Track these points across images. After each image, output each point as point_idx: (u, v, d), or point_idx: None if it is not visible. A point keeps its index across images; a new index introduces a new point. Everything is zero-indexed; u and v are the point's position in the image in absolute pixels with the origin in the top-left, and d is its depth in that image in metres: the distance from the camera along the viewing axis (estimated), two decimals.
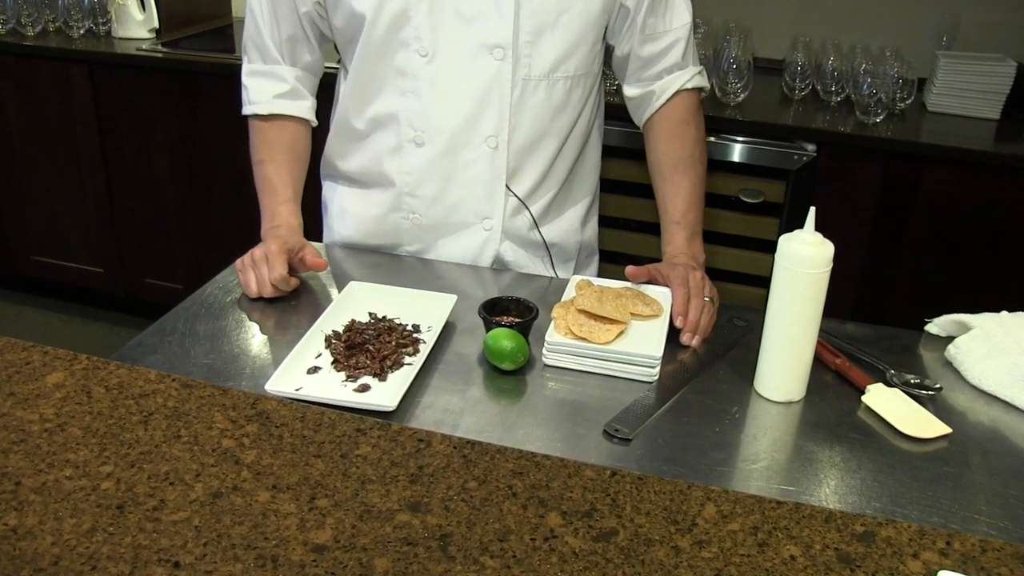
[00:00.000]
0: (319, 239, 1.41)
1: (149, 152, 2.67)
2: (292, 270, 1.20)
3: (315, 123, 1.36)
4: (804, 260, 0.94)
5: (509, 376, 1.03)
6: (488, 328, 1.05)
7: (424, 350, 1.03)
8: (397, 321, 1.10)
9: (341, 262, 1.34)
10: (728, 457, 0.90)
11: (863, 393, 1.00)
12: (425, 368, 1.02)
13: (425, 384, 1.00)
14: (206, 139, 2.59)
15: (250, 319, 1.14)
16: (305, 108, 1.34)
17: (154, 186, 2.71)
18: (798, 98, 2.31)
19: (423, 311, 1.11)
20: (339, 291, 1.21)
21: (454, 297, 1.13)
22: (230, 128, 2.50)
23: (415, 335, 1.07)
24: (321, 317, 1.09)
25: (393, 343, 1.04)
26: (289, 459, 0.74)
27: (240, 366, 1.02)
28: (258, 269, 1.17)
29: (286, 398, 0.90)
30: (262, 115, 1.32)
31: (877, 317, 2.18)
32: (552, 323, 1.07)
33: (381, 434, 0.78)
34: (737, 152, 2.14)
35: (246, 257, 1.19)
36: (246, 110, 1.33)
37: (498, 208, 1.31)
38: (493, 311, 1.08)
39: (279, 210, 1.30)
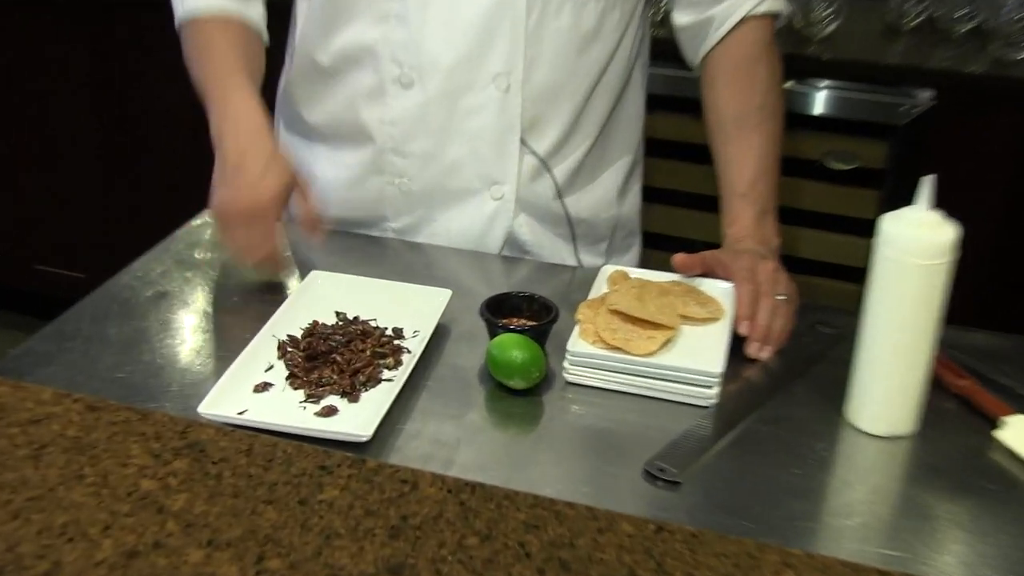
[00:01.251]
0: None
1: (45, 104, 2.67)
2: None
3: (267, 41, 1.33)
4: (916, 247, 0.94)
5: (520, 397, 1.02)
6: (493, 333, 1.05)
7: (408, 362, 1.03)
8: (373, 323, 1.10)
9: (301, 245, 1.34)
10: (812, 509, 0.90)
11: (997, 426, 1.00)
12: (409, 386, 1.02)
13: (410, 407, 1.00)
14: (124, 88, 2.59)
15: (180, 320, 1.14)
16: (256, 15, 1.31)
17: (52, 148, 2.72)
18: (909, 28, 2.30)
19: (408, 310, 1.11)
20: (298, 282, 1.21)
21: (449, 292, 1.13)
22: (156, 75, 2.50)
23: (397, 342, 1.07)
24: (273, 317, 1.09)
25: (368, 352, 1.04)
26: (230, 506, 0.74)
27: (165, 382, 1.02)
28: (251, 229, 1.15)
29: (226, 425, 0.90)
30: (202, 20, 1.27)
31: (1014, 324, 2.17)
32: (576, 328, 1.07)
33: (353, 472, 0.78)
34: (823, 103, 2.13)
35: (228, 204, 1.16)
36: (181, 15, 1.28)
37: (511, 170, 1.31)
38: (499, 311, 1.08)
39: (247, 108, 1.21)
